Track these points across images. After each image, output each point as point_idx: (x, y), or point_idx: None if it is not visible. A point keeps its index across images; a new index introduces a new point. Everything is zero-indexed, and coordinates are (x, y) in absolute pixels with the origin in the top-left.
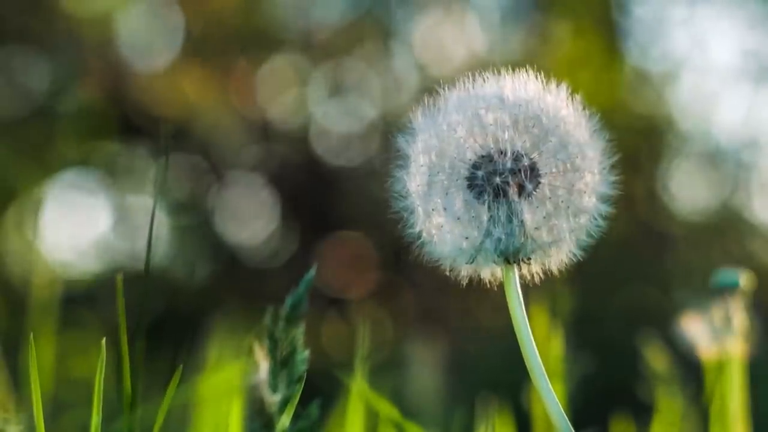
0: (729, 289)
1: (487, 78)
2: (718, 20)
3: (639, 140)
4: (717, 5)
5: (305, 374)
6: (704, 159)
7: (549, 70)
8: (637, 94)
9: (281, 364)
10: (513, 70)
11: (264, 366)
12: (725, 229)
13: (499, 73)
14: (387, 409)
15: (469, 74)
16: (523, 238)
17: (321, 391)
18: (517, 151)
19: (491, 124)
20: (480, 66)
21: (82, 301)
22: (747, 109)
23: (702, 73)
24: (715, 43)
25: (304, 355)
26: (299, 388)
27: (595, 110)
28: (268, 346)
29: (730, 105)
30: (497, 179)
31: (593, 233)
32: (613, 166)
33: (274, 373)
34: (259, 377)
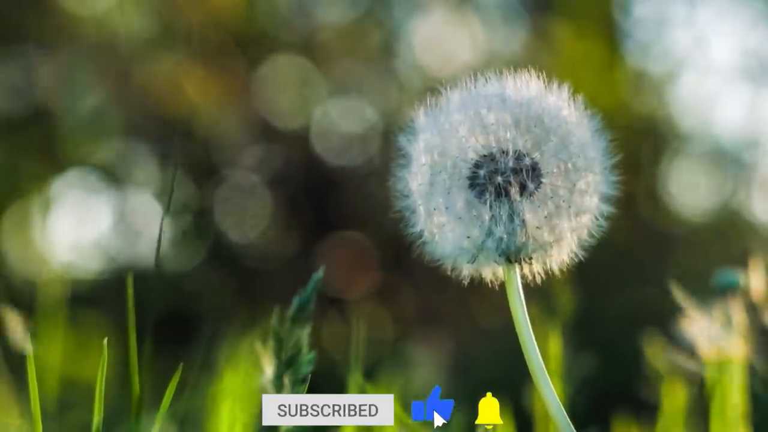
0: (730, 289)
1: (489, 78)
2: (718, 20)
3: (640, 140)
4: (717, 5)
5: (310, 375)
6: (704, 159)
7: (550, 71)
8: (637, 94)
9: (286, 364)
10: (515, 70)
11: (269, 367)
12: (725, 229)
13: (500, 73)
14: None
15: (471, 74)
16: (524, 238)
17: (321, 390)
18: (519, 151)
19: (493, 124)
20: (481, 66)
21: (86, 301)
22: (747, 109)
23: (702, 73)
24: (715, 42)
25: (309, 356)
26: (304, 390)
27: (597, 110)
28: (273, 347)
29: (730, 105)
30: (499, 178)
31: (594, 233)
32: (614, 166)
33: (279, 374)
34: (264, 378)
